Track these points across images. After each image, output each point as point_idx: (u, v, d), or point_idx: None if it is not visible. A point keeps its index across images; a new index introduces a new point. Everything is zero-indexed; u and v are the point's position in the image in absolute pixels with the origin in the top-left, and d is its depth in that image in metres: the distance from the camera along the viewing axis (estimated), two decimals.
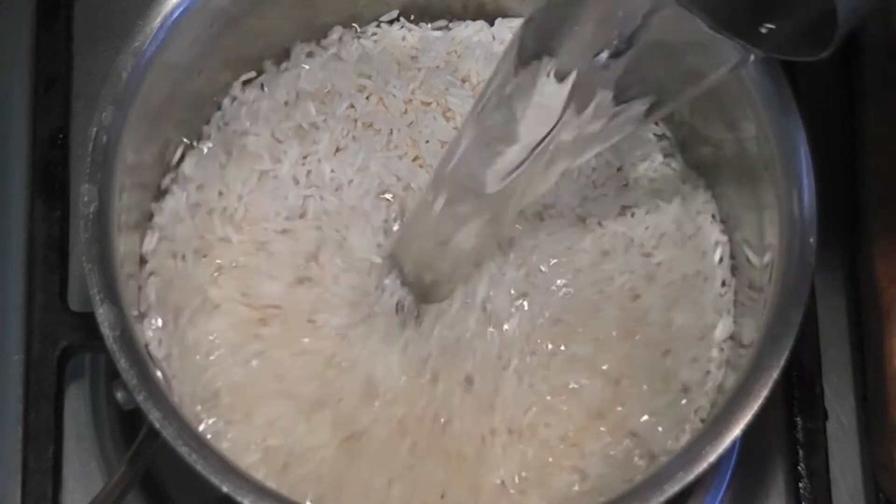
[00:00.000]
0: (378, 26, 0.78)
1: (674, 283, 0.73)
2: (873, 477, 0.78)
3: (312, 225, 0.73)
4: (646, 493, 0.63)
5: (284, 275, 0.73)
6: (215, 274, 0.73)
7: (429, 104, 0.76)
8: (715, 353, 0.72)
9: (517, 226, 0.73)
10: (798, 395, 0.77)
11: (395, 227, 0.73)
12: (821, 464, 0.76)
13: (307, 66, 0.77)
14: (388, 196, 0.74)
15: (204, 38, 0.72)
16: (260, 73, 0.77)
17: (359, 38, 0.78)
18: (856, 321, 0.80)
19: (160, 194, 0.74)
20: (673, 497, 0.62)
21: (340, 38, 0.78)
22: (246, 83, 0.77)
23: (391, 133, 0.75)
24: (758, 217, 0.71)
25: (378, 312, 0.72)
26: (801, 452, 0.76)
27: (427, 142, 0.75)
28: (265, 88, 0.77)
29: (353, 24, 0.78)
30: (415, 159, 0.75)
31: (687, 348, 0.72)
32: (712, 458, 0.63)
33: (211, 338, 0.71)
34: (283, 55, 0.78)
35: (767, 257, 0.69)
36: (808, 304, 0.66)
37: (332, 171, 0.74)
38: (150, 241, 0.73)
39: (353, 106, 0.76)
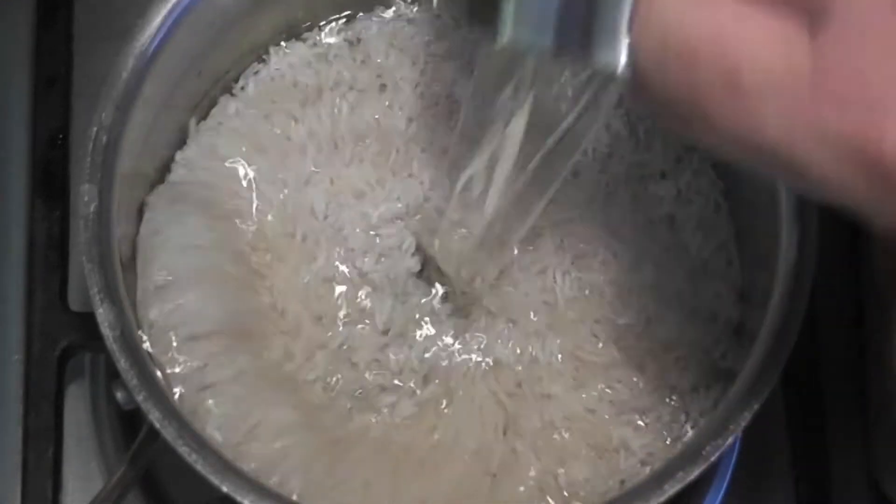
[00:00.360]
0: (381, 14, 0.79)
1: (701, 205, 0.74)
2: (873, 477, 0.78)
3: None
4: (646, 493, 0.63)
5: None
6: None
7: (438, 97, 0.76)
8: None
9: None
10: (798, 395, 0.77)
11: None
12: (821, 464, 0.76)
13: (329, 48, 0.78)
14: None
15: (205, 37, 0.72)
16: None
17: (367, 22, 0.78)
18: (856, 321, 0.80)
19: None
20: (673, 497, 0.62)
21: (349, 25, 0.78)
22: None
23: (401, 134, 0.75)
24: (759, 217, 0.71)
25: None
26: (801, 452, 0.76)
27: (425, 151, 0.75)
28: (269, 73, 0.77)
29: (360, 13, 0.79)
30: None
31: (710, 280, 0.73)
32: (712, 458, 0.63)
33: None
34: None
35: (768, 266, 0.69)
36: (808, 304, 0.66)
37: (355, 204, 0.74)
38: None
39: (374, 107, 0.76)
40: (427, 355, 0.71)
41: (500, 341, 0.72)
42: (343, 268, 0.72)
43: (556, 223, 0.73)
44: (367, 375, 0.71)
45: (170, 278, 0.68)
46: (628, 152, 0.75)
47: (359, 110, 0.76)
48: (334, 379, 0.70)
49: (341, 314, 0.72)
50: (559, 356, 0.71)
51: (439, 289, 0.73)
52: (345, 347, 0.71)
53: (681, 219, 0.74)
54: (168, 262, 0.69)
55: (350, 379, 0.71)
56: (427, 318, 0.72)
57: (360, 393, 0.70)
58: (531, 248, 0.73)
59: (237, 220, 0.73)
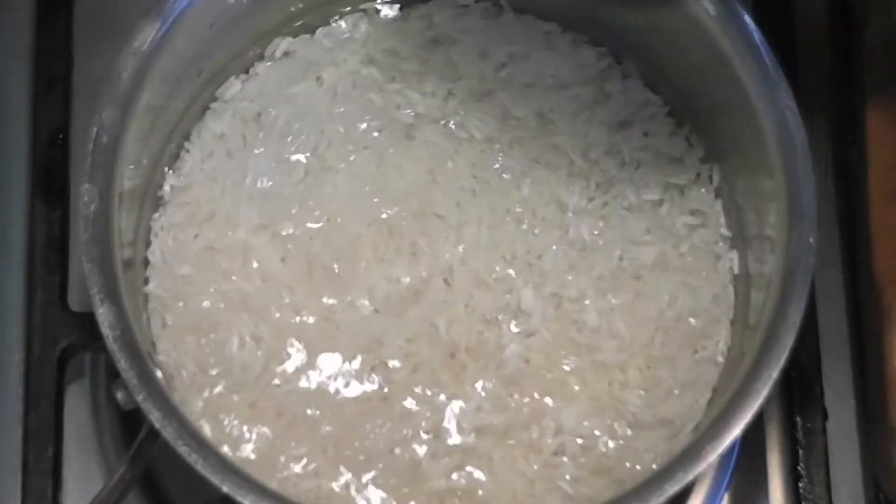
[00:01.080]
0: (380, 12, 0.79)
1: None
2: (873, 477, 0.78)
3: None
4: (646, 493, 0.63)
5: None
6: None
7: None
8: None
9: None
10: (798, 395, 0.77)
11: None
12: (821, 464, 0.76)
13: (323, 44, 0.78)
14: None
15: (204, 37, 0.72)
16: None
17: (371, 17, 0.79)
18: (856, 321, 0.80)
19: (161, 193, 0.75)
20: (673, 497, 0.62)
21: (354, 25, 0.78)
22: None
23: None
24: (759, 217, 0.71)
25: None
26: (801, 452, 0.76)
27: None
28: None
29: (363, 8, 0.78)
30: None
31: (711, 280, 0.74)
32: (712, 457, 0.63)
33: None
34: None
35: (768, 266, 0.69)
36: (808, 304, 0.66)
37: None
38: (153, 243, 0.73)
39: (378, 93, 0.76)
40: None
41: None
42: None
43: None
44: None
45: None
46: None
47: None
48: None
49: None
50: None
51: None
52: None
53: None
54: None
55: None
56: None
57: None
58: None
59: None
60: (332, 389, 0.71)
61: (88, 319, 0.66)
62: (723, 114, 0.73)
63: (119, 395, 0.67)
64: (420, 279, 0.72)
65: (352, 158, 0.75)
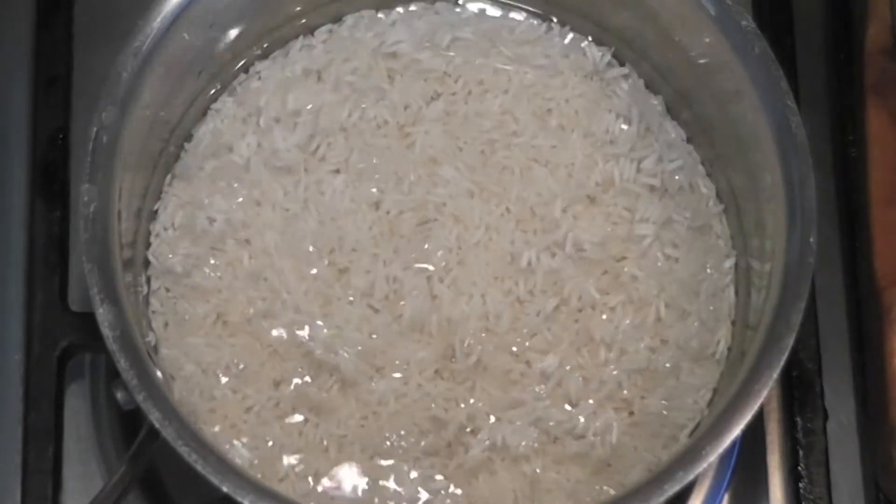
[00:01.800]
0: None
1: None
2: (873, 477, 0.78)
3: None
4: (646, 493, 0.63)
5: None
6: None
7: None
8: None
9: None
10: (798, 395, 0.77)
11: None
12: (821, 464, 0.76)
13: (322, 44, 0.78)
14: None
15: (204, 38, 0.72)
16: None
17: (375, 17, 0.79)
18: (856, 321, 0.80)
19: (161, 194, 0.75)
20: (673, 497, 0.62)
21: (354, 25, 0.78)
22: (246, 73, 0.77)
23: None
24: (759, 217, 0.71)
25: None
26: (801, 452, 0.76)
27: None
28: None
29: (363, 9, 0.79)
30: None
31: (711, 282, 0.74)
32: (712, 457, 0.63)
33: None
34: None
35: (768, 266, 0.69)
36: (808, 304, 0.66)
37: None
38: (154, 243, 0.73)
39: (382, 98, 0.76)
40: None
41: None
42: None
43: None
44: None
45: None
46: None
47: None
48: None
49: None
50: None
51: None
52: None
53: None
54: None
55: None
56: None
57: None
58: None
59: None
60: (331, 388, 0.71)
61: (88, 319, 0.66)
62: (723, 114, 0.73)
63: (119, 395, 0.68)
64: (419, 279, 0.72)
65: (352, 158, 0.75)
